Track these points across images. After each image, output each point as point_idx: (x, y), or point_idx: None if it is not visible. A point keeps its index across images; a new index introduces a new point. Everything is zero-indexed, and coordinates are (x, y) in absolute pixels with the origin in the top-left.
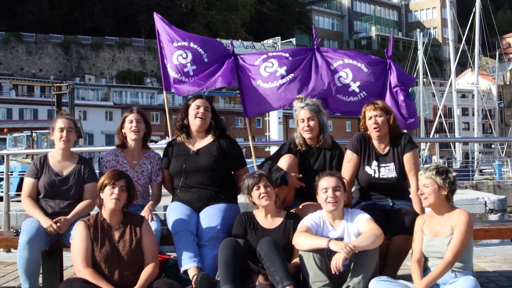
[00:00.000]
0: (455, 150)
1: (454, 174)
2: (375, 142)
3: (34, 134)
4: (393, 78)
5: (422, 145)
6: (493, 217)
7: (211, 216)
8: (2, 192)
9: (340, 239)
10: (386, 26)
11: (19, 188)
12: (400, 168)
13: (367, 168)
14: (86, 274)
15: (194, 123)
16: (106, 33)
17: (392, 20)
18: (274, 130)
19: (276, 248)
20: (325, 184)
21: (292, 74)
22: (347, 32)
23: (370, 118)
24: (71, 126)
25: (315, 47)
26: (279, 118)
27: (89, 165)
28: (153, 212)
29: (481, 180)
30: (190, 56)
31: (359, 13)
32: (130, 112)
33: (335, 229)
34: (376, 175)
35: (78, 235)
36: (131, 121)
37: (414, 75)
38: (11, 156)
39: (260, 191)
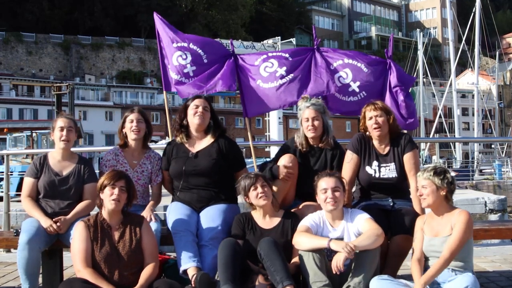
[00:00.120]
0: (455, 150)
1: (453, 174)
2: (375, 142)
3: (34, 134)
4: (393, 78)
5: (422, 145)
6: (493, 217)
7: (211, 216)
8: (2, 192)
9: (340, 239)
10: (386, 26)
11: (19, 188)
12: (401, 168)
13: (367, 168)
14: (86, 274)
15: (193, 122)
16: (106, 33)
17: (392, 20)
18: (274, 130)
19: (276, 248)
20: (324, 184)
21: (292, 75)
22: (347, 32)
23: (371, 118)
24: (71, 126)
25: (315, 47)
26: (279, 118)
27: (89, 165)
28: (154, 212)
29: (481, 180)
30: (189, 57)
31: (359, 13)
32: (131, 112)
33: (335, 229)
34: (377, 175)
35: (78, 235)
36: (132, 121)
37: (414, 75)
38: (11, 156)
39: (257, 191)
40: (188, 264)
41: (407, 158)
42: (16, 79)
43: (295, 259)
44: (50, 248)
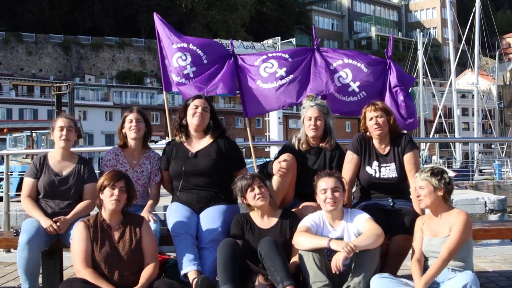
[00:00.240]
0: (455, 150)
1: (453, 174)
2: (376, 143)
3: (34, 134)
4: (393, 78)
5: (422, 145)
6: (493, 217)
7: (211, 218)
8: (2, 192)
9: (340, 239)
10: (386, 26)
11: (19, 188)
12: (401, 168)
13: (367, 168)
14: (86, 274)
15: (192, 122)
16: (106, 33)
17: (392, 20)
18: (274, 130)
19: (276, 248)
20: (324, 185)
21: (292, 75)
22: (347, 32)
23: (371, 118)
24: (71, 126)
25: (315, 47)
26: (279, 118)
27: (88, 165)
28: (153, 212)
29: (481, 180)
30: (189, 58)
31: (359, 13)
32: (130, 112)
33: (334, 229)
34: (377, 175)
35: (78, 236)
36: (131, 121)
37: (414, 75)
38: (11, 156)
39: (255, 192)
40: (188, 267)
41: (407, 158)
42: (16, 79)
43: (294, 259)
44: (50, 248)
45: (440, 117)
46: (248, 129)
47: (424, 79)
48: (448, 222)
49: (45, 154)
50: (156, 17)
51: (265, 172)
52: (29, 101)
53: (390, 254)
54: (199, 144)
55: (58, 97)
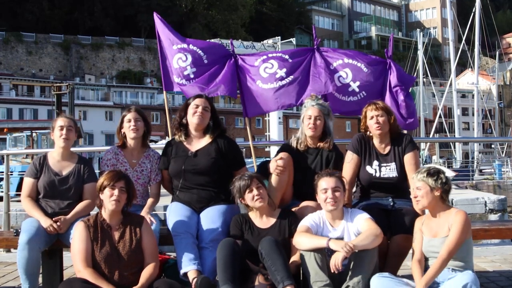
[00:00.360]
0: (455, 150)
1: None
2: (376, 142)
3: (34, 134)
4: (393, 78)
5: (422, 145)
6: (493, 217)
7: (211, 217)
8: (2, 192)
9: (340, 239)
10: (386, 26)
11: (19, 188)
12: (401, 168)
13: (368, 168)
14: (86, 274)
15: (192, 121)
16: (106, 33)
17: (392, 20)
18: (274, 130)
19: (277, 248)
20: (324, 184)
21: (292, 76)
22: (347, 32)
23: (372, 117)
24: (71, 125)
25: (315, 47)
26: (279, 118)
27: (88, 165)
28: (153, 212)
29: (481, 180)
30: (189, 59)
31: (359, 13)
32: (129, 111)
33: (335, 229)
34: (377, 175)
35: (78, 235)
36: (130, 120)
37: (414, 75)
38: (11, 156)
39: (253, 193)
40: (188, 267)
41: (408, 158)
42: (16, 79)
43: (294, 258)
44: (50, 248)
45: (440, 117)
46: (248, 129)
47: (424, 79)
48: (447, 222)
49: (45, 154)
50: (156, 17)
51: (262, 171)
52: (29, 101)
53: (390, 254)
54: (199, 143)
55: (58, 97)
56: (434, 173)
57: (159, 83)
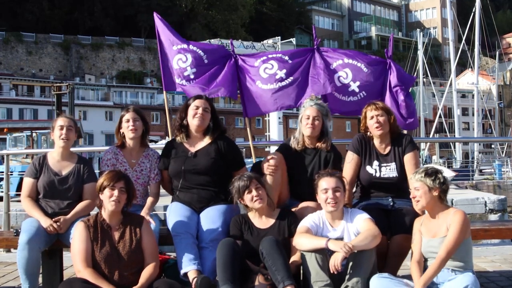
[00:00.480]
0: (455, 150)
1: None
2: (376, 142)
3: (34, 134)
4: (393, 78)
5: (422, 145)
6: (493, 217)
7: (211, 217)
8: (2, 192)
9: (340, 239)
10: (386, 26)
11: (19, 188)
12: (401, 168)
13: (368, 168)
14: (86, 274)
15: (193, 123)
16: (106, 33)
17: (392, 20)
18: (274, 130)
19: (278, 247)
20: (325, 184)
21: (291, 78)
22: (347, 32)
23: (372, 117)
24: (71, 125)
25: (315, 47)
26: (279, 118)
27: (88, 165)
28: (153, 212)
29: (481, 180)
30: (190, 59)
31: (359, 13)
32: (127, 111)
33: (334, 229)
34: (377, 175)
35: (78, 236)
36: (128, 120)
37: (414, 75)
38: (11, 156)
39: (252, 194)
40: (188, 267)
41: (408, 158)
42: (16, 79)
43: (294, 258)
44: (50, 248)
45: (440, 117)
46: (248, 129)
47: (424, 79)
48: (445, 222)
49: (44, 154)
50: (156, 17)
51: (255, 172)
52: (29, 101)
53: (390, 254)
54: (199, 144)
55: (58, 97)
56: (432, 173)
57: (159, 83)
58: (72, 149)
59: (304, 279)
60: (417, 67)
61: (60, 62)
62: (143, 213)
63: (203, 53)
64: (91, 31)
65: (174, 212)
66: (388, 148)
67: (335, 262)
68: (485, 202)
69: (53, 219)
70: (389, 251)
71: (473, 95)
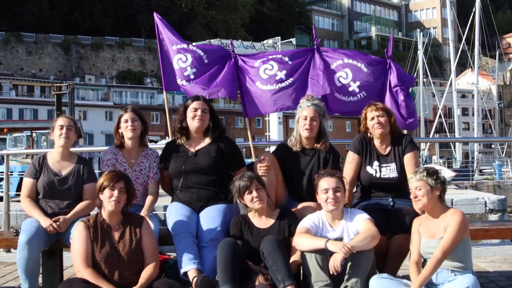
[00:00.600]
0: (455, 150)
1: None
2: (377, 143)
3: (34, 134)
4: (393, 78)
5: (422, 145)
6: (493, 217)
7: (211, 217)
8: (2, 192)
9: (340, 239)
10: (386, 26)
11: (19, 188)
12: (401, 168)
13: (368, 168)
14: (86, 274)
15: (193, 125)
16: (106, 33)
17: (392, 20)
18: (274, 130)
19: (279, 247)
20: (325, 184)
21: (292, 79)
22: (347, 32)
23: (373, 118)
24: (71, 125)
25: (315, 47)
26: (279, 118)
27: (88, 165)
28: (153, 212)
29: (481, 180)
30: (189, 59)
31: (359, 13)
32: (125, 111)
33: (334, 230)
34: (378, 175)
35: (78, 236)
36: (126, 120)
37: (414, 75)
38: (11, 156)
39: (252, 195)
40: (188, 266)
41: (408, 158)
42: (16, 79)
43: (294, 258)
44: (50, 248)
45: (440, 117)
46: (248, 129)
47: (424, 79)
48: (444, 223)
49: (44, 154)
50: (156, 17)
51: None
52: (29, 101)
53: (390, 254)
54: (199, 144)
55: (58, 97)
56: (433, 173)
57: (159, 83)
58: (72, 149)
59: (304, 279)
60: (417, 67)
61: (60, 62)
62: (143, 213)
63: (203, 53)
64: (91, 31)
65: (174, 211)
66: (389, 149)
67: (334, 263)
68: (485, 202)
69: (53, 219)
70: (389, 251)
71: (473, 95)
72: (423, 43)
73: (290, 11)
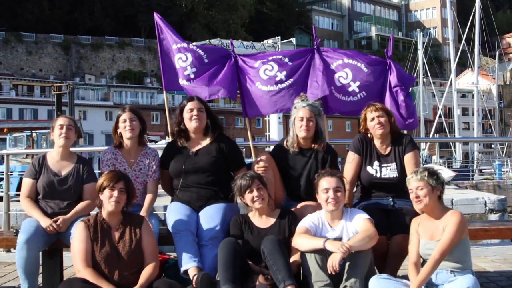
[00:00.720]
0: (455, 150)
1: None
2: (377, 143)
3: (34, 134)
4: (393, 78)
5: (422, 145)
6: (493, 217)
7: (210, 215)
8: (2, 192)
9: (339, 239)
10: (386, 26)
11: (19, 188)
12: (402, 168)
13: (368, 168)
14: (86, 274)
15: (191, 125)
16: (106, 33)
17: (392, 20)
18: (274, 130)
19: (280, 247)
20: (326, 184)
21: (291, 80)
22: (347, 32)
23: (373, 119)
24: (71, 124)
25: (315, 47)
26: (279, 118)
27: (88, 165)
28: (153, 212)
29: (481, 180)
30: (190, 58)
31: (359, 13)
32: (123, 111)
33: (333, 229)
34: (378, 175)
35: (78, 235)
36: (125, 120)
37: (414, 75)
38: (11, 156)
39: (253, 194)
40: (188, 264)
41: (408, 158)
42: (16, 79)
43: (294, 257)
44: (50, 248)
45: (440, 117)
46: (248, 129)
47: (424, 79)
48: (442, 224)
49: (44, 154)
50: (156, 17)
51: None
52: (29, 101)
53: (390, 254)
54: (199, 144)
55: (58, 97)
56: (434, 173)
57: (159, 83)
58: (72, 149)
59: (304, 279)
60: (417, 67)
61: (60, 62)
62: (143, 213)
63: (203, 52)
64: (91, 31)
65: (174, 211)
66: (389, 149)
67: (333, 263)
68: (485, 202)
69: (53, 219)
70: (389, 251)
71: (473, 95)
72: (423, 43)
73: (290, 11)
